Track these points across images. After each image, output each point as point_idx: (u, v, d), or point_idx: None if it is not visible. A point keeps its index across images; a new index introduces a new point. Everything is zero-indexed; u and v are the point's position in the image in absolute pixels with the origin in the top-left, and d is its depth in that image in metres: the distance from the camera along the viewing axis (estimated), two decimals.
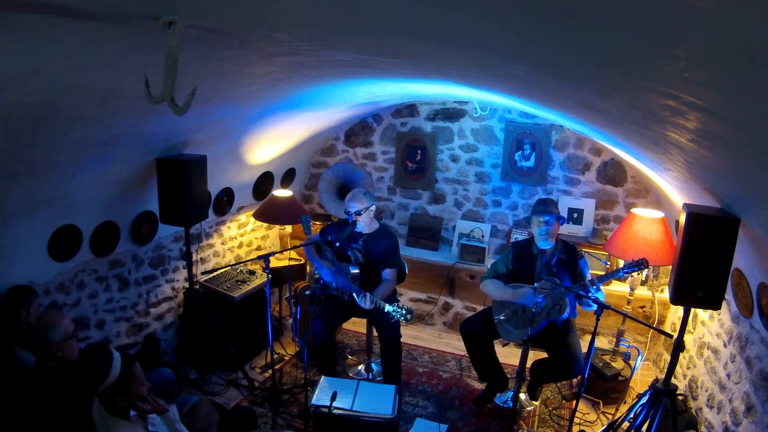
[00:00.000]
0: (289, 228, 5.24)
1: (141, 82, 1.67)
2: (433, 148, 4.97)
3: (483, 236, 4.81)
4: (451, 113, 4.88)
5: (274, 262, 4.38)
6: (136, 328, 3.76)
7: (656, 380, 2.82)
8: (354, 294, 3.29)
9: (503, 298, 3.33)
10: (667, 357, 3.56)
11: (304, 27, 1.71)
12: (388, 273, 3.50)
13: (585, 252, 3.48)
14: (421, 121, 5.01)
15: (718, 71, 1.11)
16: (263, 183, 4.74)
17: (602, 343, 4.22)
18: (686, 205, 2.41)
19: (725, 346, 2.87)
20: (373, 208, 3.53)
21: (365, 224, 3.51)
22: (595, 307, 2.90)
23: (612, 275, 3.13)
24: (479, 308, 4.31)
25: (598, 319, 2.71)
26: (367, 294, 3.20)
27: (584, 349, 3.04)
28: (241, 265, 4.27)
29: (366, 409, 2.80)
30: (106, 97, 2.29)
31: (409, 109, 5.02)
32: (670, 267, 2.69)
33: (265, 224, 5.01)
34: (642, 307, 4.13)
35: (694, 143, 1.78)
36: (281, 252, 3.94)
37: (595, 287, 2.99)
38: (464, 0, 1.19)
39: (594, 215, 4.53)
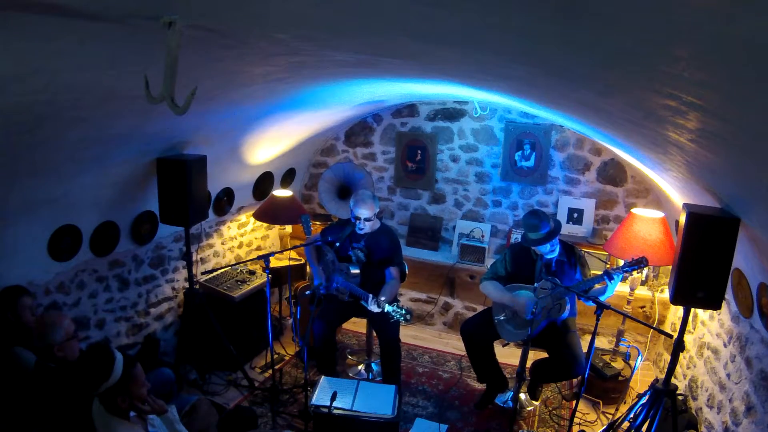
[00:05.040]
0: (289, 228, 5.24)
1: (141, 82, 1.67)
2: (433, 148, 4.97)
3: (483, 236, 4.81)
4: (451, 113, 4.88)
5: (274, 262, 4.38)
6: (136, 328, 3.76)
7: (656, 380, 2.82)
8: (363, 301, 3.24)
9: (502, 302, 3.33)
10: (667, 357, 3.56)
11: (305, 27, 1.71)
12: (392, 272, 3.48)
13: (585, 252, 3.48)
14: (421, 121, 5.01)
15: (718, 71, 1.11)
16: (263, 183, 4.74)
17: (602, 343, 4.23)
18: (686, 205, 2.41)
19: (725, 346, 2.86)
20: (377, 210, 3.51)
21: (368, 224, 3.50)
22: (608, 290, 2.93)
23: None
24: (479, 308, 4.31)
25: (598, 319, 2.71)
26: (378, 298, 3.15)
27: (584, 349, 3.04)
28: (241, 265, 4.27)
29: (366, 409, 2.80)
30: (106, 97, 2.28)
31: (409, 109, 5.02)
32: (670, 267, 2.69)
33: (265, 224, 5.01)
34: (642, 307, 4.13)
35: (694, 143, 1.78)
36: (281, 252, 3.94)
37: (617, 274, 2.94)
38: (464, 0, 1.19)
39: (594, 215, 4.53)
